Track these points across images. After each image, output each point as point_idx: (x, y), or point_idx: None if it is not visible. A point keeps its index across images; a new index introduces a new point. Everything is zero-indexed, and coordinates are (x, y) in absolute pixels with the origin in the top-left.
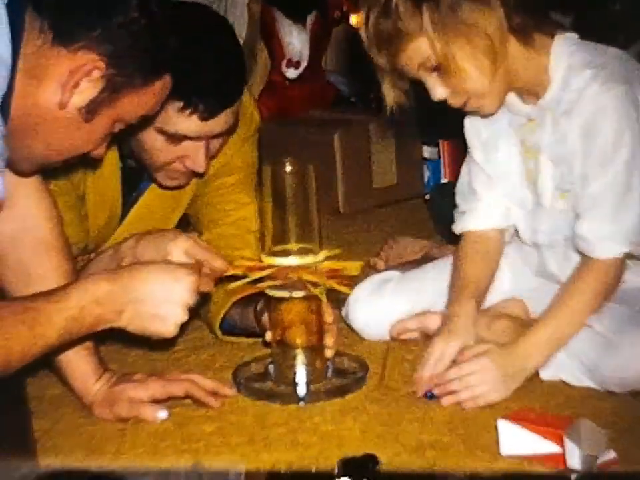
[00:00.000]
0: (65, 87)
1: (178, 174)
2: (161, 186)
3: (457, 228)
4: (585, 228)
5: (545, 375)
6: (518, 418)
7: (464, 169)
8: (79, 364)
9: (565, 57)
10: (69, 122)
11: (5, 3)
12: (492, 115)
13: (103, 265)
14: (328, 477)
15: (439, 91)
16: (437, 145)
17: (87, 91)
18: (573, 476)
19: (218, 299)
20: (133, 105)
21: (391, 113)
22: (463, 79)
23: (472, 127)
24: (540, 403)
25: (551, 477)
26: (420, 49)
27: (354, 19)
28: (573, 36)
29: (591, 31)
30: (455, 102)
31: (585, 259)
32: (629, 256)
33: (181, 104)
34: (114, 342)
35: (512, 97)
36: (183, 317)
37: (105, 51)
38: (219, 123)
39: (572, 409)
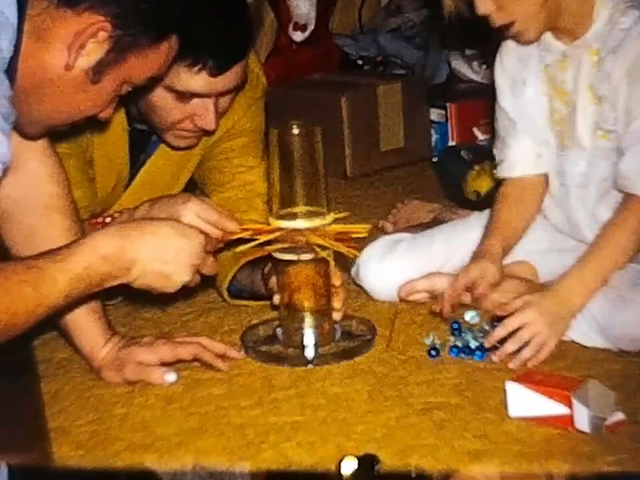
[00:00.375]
0: (71, 48)
1: (188, 133)
2: (170, 146)
3: (497, 173)
4: (629, 164)
5: None
6: (526, 380)
7: (495, 119)
8: (87, 327)
9: None
10: (75, 84)
11: None
12: (531, 42)
13: None
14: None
15: (487, 4)
16: (445, 108)
17: (94, 52)
18: None
19: (225, 262)
20: (140, 65)
21: (449, 19)
22: None
23: (502, 65)
24: (548, 365)
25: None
26: None
27: None
28: None
29: None
30: (499, 19)
31: (627, 196)
32: None
33: (189, 60)
34: (122, 305)
35: (547, 35)
36: (188, 276)
37: (110, 12)
38: (228, 78)
39: (581, 371)
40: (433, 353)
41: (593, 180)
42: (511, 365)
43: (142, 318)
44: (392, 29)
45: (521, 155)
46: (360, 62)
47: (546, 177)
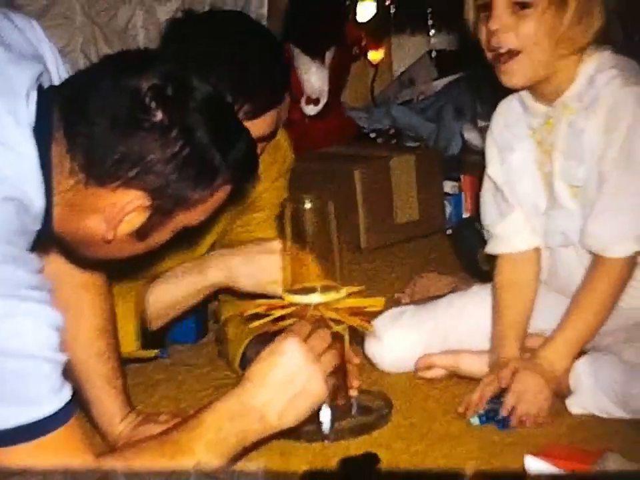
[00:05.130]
0: (109, 223)
1: None
2: None
3: (488, 250)
4: (598, 226)
5: (574, 407)
6: (546, 454)
7: (482, 194)
8: (106, 401)
9: (596, 59)
10: (122, 243)
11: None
12: (517, 86)
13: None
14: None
15: (505, 19)
16: (458, 180)
17: (134, 220)
18: None
19: (237, 337)
20: (189, 217)
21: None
22: (542, 26)
23: (492, 136)
24: (568, 438)
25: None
26: None
27: (372, 55)
28: (606, 46)
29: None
30: (509, 41)
31: (598, 258)
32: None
33: None
34: (140, 381)
35: (530, 100)
36: (318, 371)
37: (147, 185)
38: (263, 124)
39: (600, 443)
40: (483, 419)
41: (573, 240)
42: (512, 423)
43: (158, 395)
44: (404, 101)
45: (512, 229)
46: (373, 135)
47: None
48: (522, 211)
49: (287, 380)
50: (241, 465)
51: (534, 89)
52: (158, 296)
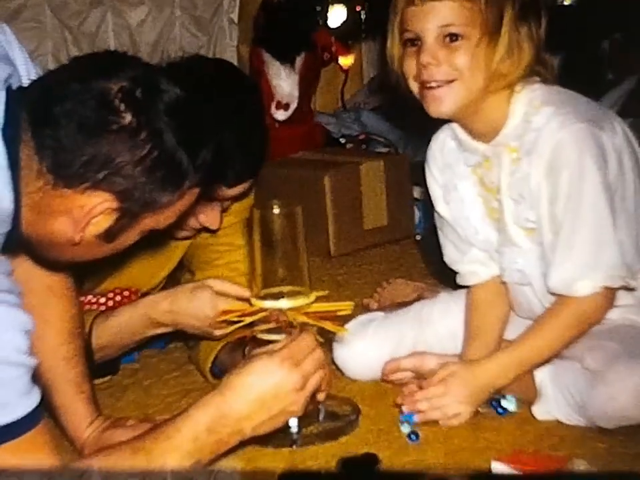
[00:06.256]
0: (77, 225)
1: (189, 228)
2: (170, 237)
3: (458, 282)
4: (560, 269)
5: (539, 414)
6: (512, 459)
7: (439, 234)
8: (74, 406)
9: (527, 95)
10: (89, 245)
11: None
12: (445, 114)
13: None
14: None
15: (436, 53)
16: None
17: (102, 222)
18: None
19: (207, 343)
20: (157, 221)
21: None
22: (474, 59)
23: (431, 174)
24: (534, 444)
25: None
26: (462, 10)
27: (342, 60)
28: (535, 78)
29: (580, 70)
30: (437, 74)
31: (564, 297)
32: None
33: None
34: (108, 386)
35: (466, 137)
36: (302, 397)
37: (115, 188)
38: (241, 188)
39: (566, 450)
40: (413, 437)
41: (530, 277)
42: (416, 418)
43: (125, 400)
44: (375, 107)
45: (474, 263)
46: (343, 140)
47: None
48: (474, 249)
49: (272, 398)
50: (218, 465)
51: (466, 125)
52: (105, 329)
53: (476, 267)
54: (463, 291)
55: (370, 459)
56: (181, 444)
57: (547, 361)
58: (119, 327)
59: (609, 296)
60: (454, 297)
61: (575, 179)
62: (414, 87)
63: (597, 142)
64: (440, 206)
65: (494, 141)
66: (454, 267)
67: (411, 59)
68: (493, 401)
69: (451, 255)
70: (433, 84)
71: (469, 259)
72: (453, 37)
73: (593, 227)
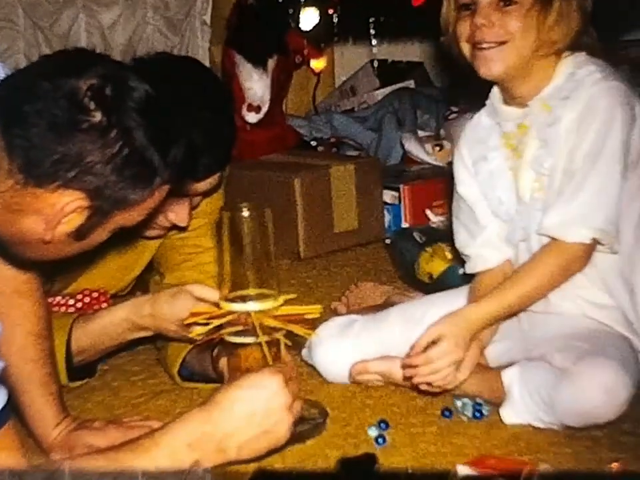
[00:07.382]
0: (48, 223)
1: (159, 226)
2: (140, 236)
3: (466, 270)
4: (558, 211)
5: (507, 416)
6: (478, 464)
7: (453, 218)
8: (41, 407)
9: (573, 59)
10: (60, 243)
11: None
12: (495, 76)
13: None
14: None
15: (490, 15)
16: (398, 190)
17: (73, 220)
18: None
19: (175, 345)
20: (128, 218)
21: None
22: (526, 23)
23: (459, 154)
24: (501, 449)
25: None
26: None
27: (314, 63)
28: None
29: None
30: (489, 35)
31: (552, 241)
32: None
33: None
34: (75, 387)
35: (501, 104)
36: (290, 418)
37: (86, 186)
38: (209, 183)
39: (533, 454)
40: (380, 441)
41: (531, 231)
42: (420, 387)
43: (93, 401)
44: (346, 110)
45: (485, 246)
46: (314, 143)
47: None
48: (492, 228)
49: (259, 415)
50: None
51: (510, 88)
52: (85, 333)
53: (487, 251)
54: (450, 292)
55: (369, 459)
56: (156, 458)
57: (519, 308)
58: (99, 331)
59: (589, 251)
60: (432, 300)
61: (603, 130)
62: (466, 48)
63: (630, 104)
64: (462, 186)
65: (532, 101)
66: (464, 252)
67: (464, 22)
68: (476, 411)
69: (462, 240)
70: (485, 45)
71: (480, 242)
72: (507, 2)
73: (604, 179)
